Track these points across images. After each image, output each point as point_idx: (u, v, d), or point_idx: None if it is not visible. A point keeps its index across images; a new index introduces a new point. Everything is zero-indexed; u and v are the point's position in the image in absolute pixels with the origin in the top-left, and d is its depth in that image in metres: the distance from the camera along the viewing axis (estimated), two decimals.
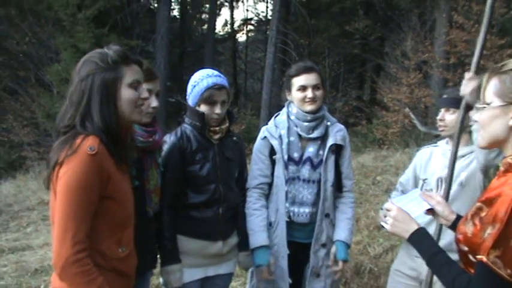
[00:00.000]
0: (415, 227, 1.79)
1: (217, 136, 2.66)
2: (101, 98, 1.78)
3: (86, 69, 1.81)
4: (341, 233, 2.85)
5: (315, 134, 2.83)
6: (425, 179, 2.80)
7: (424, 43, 13.12)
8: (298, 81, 2.81)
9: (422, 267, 2.59)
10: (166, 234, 2.53)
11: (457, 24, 11.78)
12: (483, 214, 1.49)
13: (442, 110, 2.75)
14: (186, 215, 2.60)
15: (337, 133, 2.86)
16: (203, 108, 2.60)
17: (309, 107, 2.80)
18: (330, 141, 2.82)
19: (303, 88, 2.80)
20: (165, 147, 2.57)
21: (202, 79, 2.59)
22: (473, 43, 11.01)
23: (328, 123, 2.89)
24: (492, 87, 1.58)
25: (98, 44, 10.94)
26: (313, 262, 2.82)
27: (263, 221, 2.78)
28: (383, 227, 1.96)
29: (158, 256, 2.58)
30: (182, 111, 2.76)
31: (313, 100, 2.79)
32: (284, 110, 2.95)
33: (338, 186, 2.92)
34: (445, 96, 2.81)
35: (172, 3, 20.97)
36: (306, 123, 2.82)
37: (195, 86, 2.61)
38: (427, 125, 11.11)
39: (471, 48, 11.08)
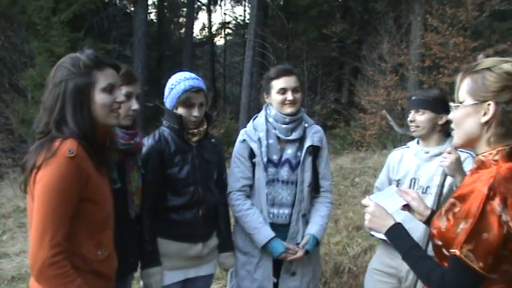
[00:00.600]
0: (392, 223, 1.83)
1: (195, 138, 2.66)
2: (74, 104, 1.78)
3: (59, 74, 1.81)
4: (312, 227, 2.86)
5: (294, 136, 2.86)
6: (399, 180, 2.83)
7: (400, 46, 13.32)
8: (278, 83, 2.84)
9: (402, 266, 2.61)
10: (146, 237, 2.53)
11: (432, 27, 11.98)
12: (456, 210, 1.53)
13: (412, 111, 2.79)
14: (165, 218, 2.60)
15: (314, 134, 2.90)
16: (181, 110, 2.60)
17: (288, 110, 2.83)
18: (307, 143, 2.85)
19: (283, 91, 2.82)
20: (143, 150, 2.56)
21: (179, 82, 2.59)
22: (448, 46, 11.26)
23: (306, 125, 2.92)
24: (465, 86, 1.62)
25: (73, 49, 10.79)
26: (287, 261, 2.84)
27: (260, 217, 2.81)
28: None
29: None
30: (160, 116, 2.79)
31: (293, 103, 2.82)
32: (262, 112, 2.97)
33: (315, 187, 2.94)
34: (414, 98, 2.84)
35: (150, 7, 20.90)
36: (284, 125, 2.84)
37: (172, 89, 2.61)
38: (404, 127, 11.24)
39: (445, 51, 11.30)
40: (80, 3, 13.42)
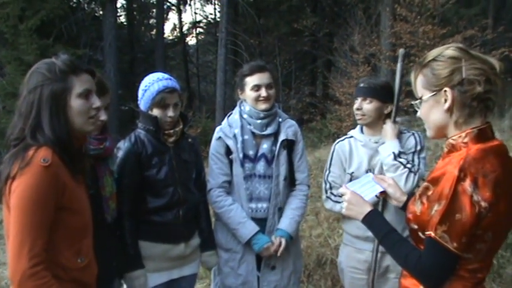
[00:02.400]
0: (368, 209, 1.88)
1: (172, 139, 2.65)
2: (50, 110, 1.75)
3: (33, 80, 1.78)
4: (281, 221, 2.89)
5: (268, 131, 2.89)
6: (352, 173, 2.81)
7: (370, 37, 13.42)
8: (251, 80, 2.86)
9: (371, 257, 2.65)
10: (128, 240, 2.52)
11: (401, 17, 12.11)
12: (430, 193, 1.58)
13: (359, 99, 2.79)
14: (146, 220, 2.60)
15: (288, 129, 2.93)
16: (156, 112, 2.59)
17: (263, 106, 2.85)
18: (282, 137, 2.89)
19: (257, 87, 2.85)
20: (120, 154, 2.55)
21: (152, 83, 2.59)
22: (418, 34, 11.40)
23: (280, 120, 2.95)
24: (419, 82, 1.70)
25: (43, 56, 10.61)
26: None
27: (243, 212, 2.83)
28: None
29: None
30: (136, 118, 2.76)
31: (267, 99, 2.85)
32: (236, 109, 2.99)
33: (291, 181, 2.97)
34: (362, 85, 2.83)
35: (119, 10, 20.66)
36: (259, 121, 2.87)
37: (146, 91, 2.60)
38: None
39: (415, 39, 11.44)
40: (47, 9, 13.23)
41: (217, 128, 2.96)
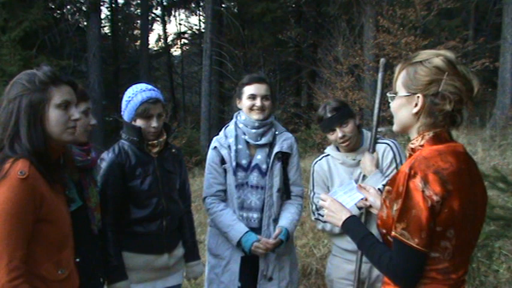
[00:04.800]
0: (347, 215, 1.92)
1: (155, 149, 2.65)
2: (28, 120, 1.75)
3: (14, 91, 1.78)
4: (282, 221, 2.91)
5: (263, 141, 2.92)
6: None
7: (354, 48, 13.57)
8: (248, 89, 2.91)
9: (362, 267, 2.65)
10: (111, 251, 2.50)
11: (384, 28, 12.28)
12: (390, 195, 1.63)
13: (336, 129, 2.72)
14: (130, 231, 2.58)
15: (284, 141, 2.96)
16: (139, 122, 2.59)
17: (256, 116, 2.89)
18: (276, 149, 2.92)
19: (253, 97, 2.90)
20: (103, 165, 2.54)
21: (136, 94, 2.59)
22: (400, 45, 11.55)
23: (277, 132, 2.99)
24: (401, 77, 1.73)
25: (26, 67, 10.50)
26: (262, 266, 2.88)
27: (234, 215, 2.86)
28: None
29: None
30: (120, 129, 2.75)
31: (261, 109, 2.89)
32: (233, 120, 3.04)
33: (286, 193, 3.00)
34: (329, 115, 2.74)
35: (103, 21, 20.62)
36: (253, 130, 2.90)
37: (129, 102, 2.60)
38: (363, 127, 11.45)
39: (398, 50, 11.59)
40: (30, 20, 13.14)
41: (214, 139, 3.02)
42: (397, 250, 1.60)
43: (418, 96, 1.65)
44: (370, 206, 2.22)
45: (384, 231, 1.68)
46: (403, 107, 1.71)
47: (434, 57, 1.66)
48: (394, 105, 1.76)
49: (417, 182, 1.53)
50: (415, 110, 1.67)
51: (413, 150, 1.70)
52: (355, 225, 1.89)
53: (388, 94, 1.79)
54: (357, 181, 2.70)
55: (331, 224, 2.03)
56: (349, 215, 1.92)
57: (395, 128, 1.80)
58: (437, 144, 1.64)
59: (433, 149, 1.62)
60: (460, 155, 1.64)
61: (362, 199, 2.18)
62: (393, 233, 1.58)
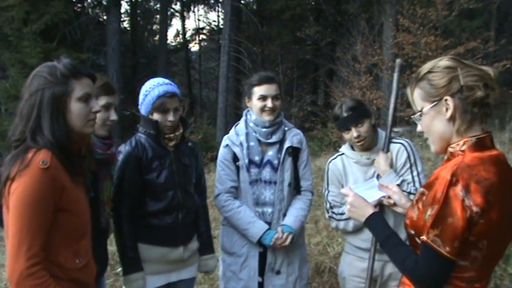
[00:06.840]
0: (370, 212, 1.89)
1: (172, 143, 2.67)
2: (50, 113, 1.78)
3: (35, 83, 1.80)
4: (286, 219, 2.92)
5: (273, 139, 2.94)
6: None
7: (373, 47, 13.49)
8: (259, 90, 2.91)
9: (375, 265, 2.62)
10: (127, 243, 2.53)
11: (404, 28, 12.17)
12: (425, 198, 1.58)
13: (352, 128, 2.70)
14: (146, 223, 2.61)
15: (294, 137, 2.98)
16: (156, 116, 2.61)
17: (267, 117, 2.90)
18: (287, 144, 2.94)
19: (263, 98, 2.90)
20: (120, 157, 2.57)
21: (153, 88, 2.61)
22: (420, 45, 11.44)
23: (286, 129, 3.01)
24: (417, 96, 1.69)
25: (46, 59, 10.58)
26: (270, 259, 2.90)
27: (252, 212, 2.88)
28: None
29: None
30: (137, 123, 2.77)
31: (272, 110, 2.90)
32: (242, 118, 3.05)
33: (296, 187, 3.01)
34: (345, 115, 2.72)
35: (123, 15, 20.75)
36: (264, 129, 2.92)
37: (146, 95, 2.62)
38: (380, 126, 11.38)
39: (417, 50, 11.48)
40: (51, 13, 13.28)
41: (225, 137, 3.04)
42: (426, 255, 1.56)
43: (446, 99, 1.60)
44: (394, 204, 2.18)
45: (413, 232, 1.64)
46: (435, 119, 1.65)
47: (438, 62, 1.64)
48: (424, 123, 1.70)
49: (458, 191, 1.48)
50: (449, 113, 1.61)
51: (452, 154, 1.64)
52: (380, 223, 1.86)
53: (412, 117, 1.74)
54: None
55: (353, 219, 1.99)
56: (373, 211, 1.90)
57: (434, 148, 1.72)
58: (479, 151, 1.59)
59: (475, 157, 1.56)
60: (503, 165, 1.60)
61: (383, 197, 2.16)
62: (424, 237, 1.54)
